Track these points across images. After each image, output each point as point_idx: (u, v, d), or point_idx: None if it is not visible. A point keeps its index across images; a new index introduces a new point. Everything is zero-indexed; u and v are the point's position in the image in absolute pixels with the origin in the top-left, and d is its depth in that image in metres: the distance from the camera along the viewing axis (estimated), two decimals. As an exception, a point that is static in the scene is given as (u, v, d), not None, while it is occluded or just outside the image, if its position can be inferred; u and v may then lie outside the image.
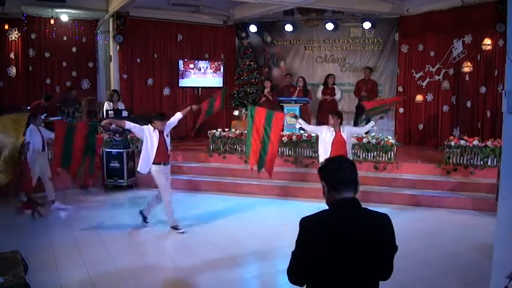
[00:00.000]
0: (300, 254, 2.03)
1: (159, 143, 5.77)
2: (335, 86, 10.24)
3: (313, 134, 8.00)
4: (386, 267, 2.11)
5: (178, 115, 6.19)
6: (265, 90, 10.30)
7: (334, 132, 6.15)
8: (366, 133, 8.84)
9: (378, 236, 2.04)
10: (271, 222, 6.37)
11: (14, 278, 3.19)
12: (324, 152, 6.14)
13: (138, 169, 5.99)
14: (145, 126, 5.84)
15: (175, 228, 5.88)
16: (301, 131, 8.40)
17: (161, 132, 5.82)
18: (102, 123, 5.95)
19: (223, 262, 4.93)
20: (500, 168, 3.53)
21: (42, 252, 5.05)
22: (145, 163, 5.82)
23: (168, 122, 5.98)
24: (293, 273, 2.06)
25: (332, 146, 6.08)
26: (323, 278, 2.00)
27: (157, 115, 6.02)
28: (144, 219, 6.12)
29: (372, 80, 10.28)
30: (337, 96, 10.17)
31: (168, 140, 5.92)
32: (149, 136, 5.78)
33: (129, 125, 5.83)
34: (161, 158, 5.81)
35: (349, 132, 6.27)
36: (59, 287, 4.27)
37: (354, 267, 1.98)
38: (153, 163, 5.77)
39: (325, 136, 6.17)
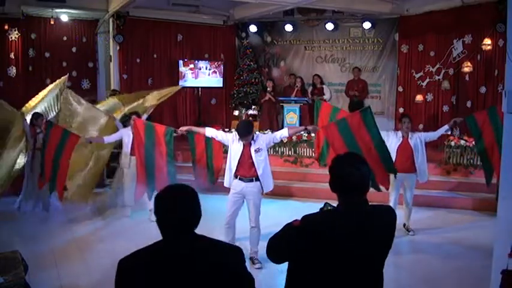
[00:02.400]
0: (291, 242, 1.97)
1: (241, 156, 4.76)
2: (324, 86, 10.27)
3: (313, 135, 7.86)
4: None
5: (284, 132, 5.03)
6: (268, 90, 10.31)
7: (401, 138, 5.60)
8: None
9: (383, 233, 2.03)
10: (270, 222, 6.35)
11: (14, 278, 3.19)
12: None
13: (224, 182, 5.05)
14: (230, 134, 4.96)
15: (252, 261, 4.97)
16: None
17: (247, 145, 4.76)
18: (179, 131, 5.31)
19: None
20: (500, 168, 3.54)
21: (42, 252, 5.04)
22: (227, 175, 4.95)
23: (265, 137, 4.95)
24: (277, 252, 2.06)
25: (397, 153, 5.50)
26: (326, 277, 1.98)
27: (238, 128, 4.76)
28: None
29: (361, 79, 10.31)
30: (326, 95, 10.15)
31: (257, 156, 4.74)
32: (232, 145, 4.83)
33: (210, 132, 5.04)
34: (241, 172, 4.81)
35: (418, 138, 5.60)
36: (58, 287, 4.28)
37: (359, 266, 1.96)
38: (234, 176, 4.86)
39: (391, 142, 5.54)
